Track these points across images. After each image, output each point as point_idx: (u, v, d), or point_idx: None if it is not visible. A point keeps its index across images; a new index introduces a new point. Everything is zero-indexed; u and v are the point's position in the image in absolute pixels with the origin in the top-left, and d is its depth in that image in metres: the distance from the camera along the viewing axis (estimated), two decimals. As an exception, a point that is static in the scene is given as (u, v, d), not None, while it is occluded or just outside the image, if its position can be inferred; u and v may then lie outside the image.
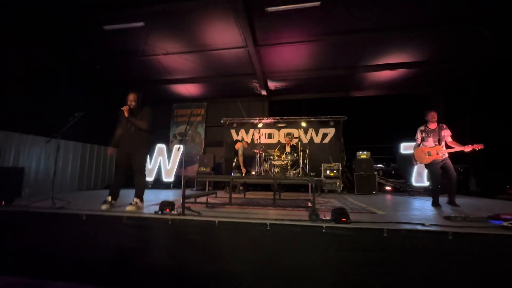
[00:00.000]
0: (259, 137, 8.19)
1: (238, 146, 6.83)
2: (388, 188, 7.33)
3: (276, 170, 6.52)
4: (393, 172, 8.31)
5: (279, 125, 8.26)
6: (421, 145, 4.04)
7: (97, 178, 7.64)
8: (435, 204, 3.93)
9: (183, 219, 2.65)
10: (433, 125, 3.98)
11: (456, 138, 4.01)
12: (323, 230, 2.30)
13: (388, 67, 7.04)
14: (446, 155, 3.87)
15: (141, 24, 5.48)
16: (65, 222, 2.88)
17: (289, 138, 7.30)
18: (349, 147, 7.81)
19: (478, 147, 3.67)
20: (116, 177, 3.73)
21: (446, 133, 3.92)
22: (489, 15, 5.10)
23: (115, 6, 5.15)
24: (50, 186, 3.66)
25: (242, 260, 2.38)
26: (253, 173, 7.31)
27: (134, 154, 3.58)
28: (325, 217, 2.56)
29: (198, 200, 3.65)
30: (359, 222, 2.42)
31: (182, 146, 7.81)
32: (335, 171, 6.87)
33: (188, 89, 8.82)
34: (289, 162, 6.52)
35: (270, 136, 8.32)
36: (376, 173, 6.73)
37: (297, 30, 5.82)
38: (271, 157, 6.76)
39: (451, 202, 3.85)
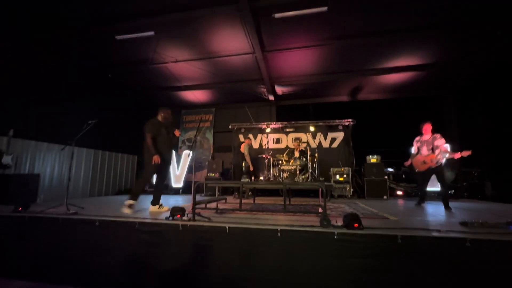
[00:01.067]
0: (267, 142, 8.20)
1: (243, 147, 6.86)
2: (399, 192, 7.17)
3: (285, 175, 6.49)
4: (403, 176, 8.14)
5: (287, 129, 8.25)
6: (418, 154, 4.47)
7: (108, 184, 7.78)
8: (420, 203, 4.61)
9: (193, 225, 2.66)
10: (427, 136, 4.40)
11: (471, 139, 4.04)
12: (335, 236, 2.27)
13: (397, 70, 6.97)
14: (440, 162, 4.22)
15: (151, 33, 5.63)
16: (79, 227, 2.94)
17: (297, 142, 7.27)
18: (358, 151, 7.71)
19: (466, 153, 3.90)
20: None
21: (440, 142, 4.24)
22: (500, 16, 5.00)
23: (127, 17, 5.32)
24: (64, 192, 3.75)
25: (253, 266, 2.36)
26: (262, 178, 7.30)
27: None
28: (336, 222, 2.53)
29: (208, 205, 3.66)
30: (371, 228, 2.38)
31: (191, 152, 7.91)
32: (344, 176, 6.78)
33: (196, 96, 8.95)
34: (298, 167, 6.48)
35: (278, 141, 8.31)
36: (386, 177, 6.62)
37: (304, 35, 5.84)
38: (280, 162, 6.74)
39: (446, 207, 4.08)
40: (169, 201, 5.39)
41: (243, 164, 6.90)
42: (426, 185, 4.61)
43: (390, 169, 7.90)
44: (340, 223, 2.52)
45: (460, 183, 7.26)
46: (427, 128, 4.43)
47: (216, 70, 7.32)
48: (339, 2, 4.79)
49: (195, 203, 2.98)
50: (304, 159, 6.74)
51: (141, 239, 2.71)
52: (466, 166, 7.60)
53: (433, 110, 8.19)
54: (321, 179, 6.87)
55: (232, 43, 6.11)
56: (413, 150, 4.53)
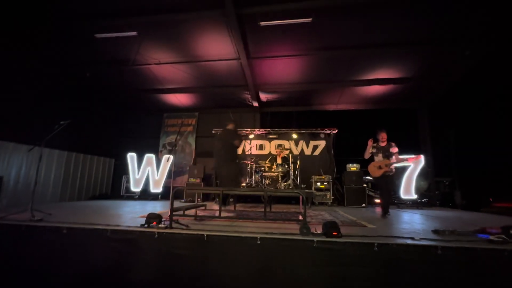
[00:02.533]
0: (250, 148, 8.17)
1: None
2: (377, 200, 7.39)
3: (267, 181, 6.48)
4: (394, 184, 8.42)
5: (270, 136, 8.29)
6: (374, 160, 4.61)
7: (81, 188, 7.37)
8: (384, 215, 4.38)
9: (170, 233, 2.56)
10: (383, 143, 4.58)
11: (442, 151, 4.23)
12: (314, 244, 2.27)
13: (376, 82, 7.27)
14: (393, 170, 4.43)
15: (133, 33, 5.48)
16: (44, 235, 2.73)
17: (280, 149, 7.31)
18: (339, 159, 7.88)
19: (417, 158, 4.38)
20: None
21: (394, 150, 4.43)
22: (468, 37, 5.40)
23: (108, 15, 5.15)
24: (30, 196, 3.48)
25: (232, 275, 2.30)
26: (244, 184, 7.23)
27: None
28: (316, 230, 2.54)
29: (187, 212, 3.55)
30: (350, 236, 2.41)
31: (171, 156, 7.70)
32: (325, 183, 6.89)
33: (179, 99, 8.79)
34: (280, 174, 6.50)
35: (261, 147, 8.32)
36: (365, 185, 6.80)
37: (289, 44, 5.95)
38: (262, 168, 6.73)
39: (385, 213, 4.35)
40: (146, 207, 5.18)
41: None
42: (389, 194, 4.68)
43: (369, 177, 8.14)
44: (319, 231, 2.53)
45: (432, 192, 7.61)
46: (384, 136, 4.59)
47: (200, 74, 7.24)
48: (322, 15, 4.94)
49: (172, 209, 2.88)
50: (286, 166, 6.78)
51: (113, 248, 2.56)
52: (438, 176, 8.01)
53: (409, 122, 8.60)
54: (302, 186, 6.93)
55: (218, 48, 6.09)
56: (367, 150, 4.61)
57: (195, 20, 5.23)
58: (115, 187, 8.36)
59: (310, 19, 4.99)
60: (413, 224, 3.53)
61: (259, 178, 6.69)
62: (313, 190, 6.70)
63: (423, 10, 4.81)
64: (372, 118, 8.95)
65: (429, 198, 7.44)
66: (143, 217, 3.40)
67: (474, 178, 7.81)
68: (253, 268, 2.29)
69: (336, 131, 7.98)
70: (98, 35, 5.54)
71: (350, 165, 6.96)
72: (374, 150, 4.59)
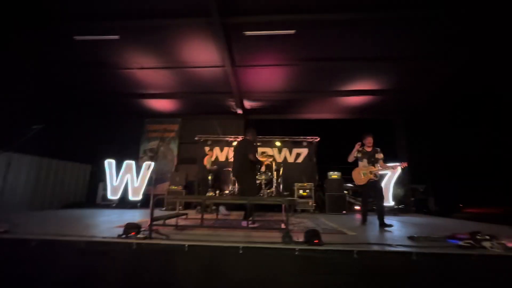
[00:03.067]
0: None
1: (206, 160, 6.68)
2: (357, 207, 7.59)
3: (250, 189, 6.46)
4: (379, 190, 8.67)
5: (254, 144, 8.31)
6: (358, 165, 4.40)
7: (53, 196, 6.94)
8: (364, 222, 4.27)
9: (149, 243, 2.47)
10: (369, 148, 4.37)
11: (417, 160, 4.38)
12: (296, 253, 2.29)
13: (356, 93, 7.57)
14: (379, 176, 4.26)
15: (115, 37, 5.36)
16: (9, 248, 2.53)
17: (264, 157, 7.36)
18: (321, 167, 8.06)
19: (403, 165, 4.18)
20: None
21: (380, 156, 4.28)
22: (441, 55, 5.81)
23: (89, 17, 5.01)
24: (-5, 206, 3.23)
25: (214, 286, 2.25)
26: (227, 192, 7.17)
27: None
28: (298, 239, 2.56)
29: (168, 221, 3.45)
30: (330, 244, 2.45)
31: (152, 163, 7.49)
32: (307, 191, 6.99)
33: (162, 104, 8.63)
34: (263, 181, 6.52)
35: (245, 154, 8.32)
36: (346, 192, 6.98)
37: (273, 54, 6.08)
38: (246, 176, 6.71)
39: (382, 224, 3.93)
40: (124, 217, 4.98)
41: (209, 176, 6.74)
42: (367, 201, 4.46)
43: (350, 185, 8.36)
44: (301, 239, 2.55)
45: (408, 199, 7.96)
46: (370, 141, 4.37)
47: (184, 80, 7.18)
48: (306, 28, 5.13)
49: (152, 219, 2.79)
50: (269, 174, 6.82)
51: (88, 261, 2.42)
52: (414, 183, 8.41)
53: (387, 132, 9.00)
54: (285, 193, 6.99)
55: (202, 55, 6.10)
56: (352, 154, 4.38)
57: (180, 27, 5.23)
58: (91, 195, 7.96)
59: (294, 31, 5.15)
60: (391, 231, 3.65)
61: (242, 185, 6.66)
62: (295, 198, 6.76)
63: (400, 30, 5.13)
64: (352, 127, 9.26)
65: (405, 204, 7.75)
66: (120, 227, 3.26)
67: (446, 185, 8.28)
68: (236, 278, 2.27)
69: (318, 139, 8.18)
70: (78, 37, 5.35)
71: (332, 172, 7.13)
72: (359, 155, 4.37)
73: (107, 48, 5.85)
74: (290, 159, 8.16)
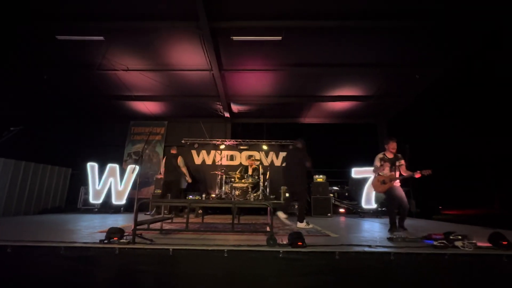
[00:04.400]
0: (221, 159, 8.14)
1: (180, 160, 6.32)
2: (342, 210, 7.76)
3: (237, 192, 6.47)
4: (346, 194, 8.89)
5: (241, 147, 8.35)
6: (377, 173, 4.02)
7: (30, 201, 6.63)
8: (394, 228, 3.74)
9: (133, 248, 2.43)
10: (390, 154, 4.03)
11: None
12: (280, 255, 2.33)
13: (341, 98, 7.80)
14: (399, 182, 3.92)
15: (100, 38, 5.27)
16: (-18, 256, 2.41)
17: (252, 160, 7.39)
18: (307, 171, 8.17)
19: (426, 173, 3.76)
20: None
21: (402, 163, 3.95)
22: (420, 62, 6.12)
23: (72, 17, 4.90)
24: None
25: (198, 290, 2.25)
26: (213, 195, 7.13)
27: None
28: (282, 241, 2.61)
29: (152, 226, 3.40)
30: (313, 246, 2.51)
31: (137, 166, 7.34)
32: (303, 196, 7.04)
33: (147, 107, 8.51)
34: (250, 185, 6.55)
35: (232, 158, 8.33)
36: (332, 195, 7.11)
37: (261, 59, 6.18)
38: (232, 179, 6.72)
39: (401, 226, 3.79)
40: (107, 221, 4.85)
41: (182, 179, 6.55)
42: (393, 209, 3.88)
43: (335, 188, 8.53)
44: (286, 241, 2.60)
45: (390, 201, 8.20)
46: (394, 146, 4.00)
47: (171, 83, 7.13)
48: (292, 34, 5.25)
49: (136, 223, 2.75)
50: (256, 177, 6.85)
51: (68, 267, 2.35)
52: (396, 186, 8.70)
53: (370, 135, 9.30)
54: (272, 196, 7.04)
55: (190, 58, 6.09)
56: (380, 168, 3.95)
57: (168, 30, 5.22)
58: (71, 200, 7.68)
59: (281, 37, 5.26)
60: (372, 232, 3.78)
61: (229, 189, 6.67)
62: (282, 201, 6.82)
63: (382, 38, 5.37)
64: (337, 131, 9.52)
65: (387, 207, 7.98)
66: (103, 232, 3.18)
67: (426, 188, 8.63)
68: (220, 282, 2.27)
69: (305, 143, 8.30)
70: (60, 37, 5.21)
71: (317, 176, 7.25)
72: (382, 162, 3.97)
73: (91, 49, 5.73)
74: (277, 163, 8.25)
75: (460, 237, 2.54)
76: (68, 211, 7.19)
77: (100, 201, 7.09)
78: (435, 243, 2.56)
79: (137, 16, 4.91)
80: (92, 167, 7.22)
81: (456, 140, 7.17)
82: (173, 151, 6.40)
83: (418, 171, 3.79)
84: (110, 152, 8.56)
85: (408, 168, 4.01)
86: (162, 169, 6.26)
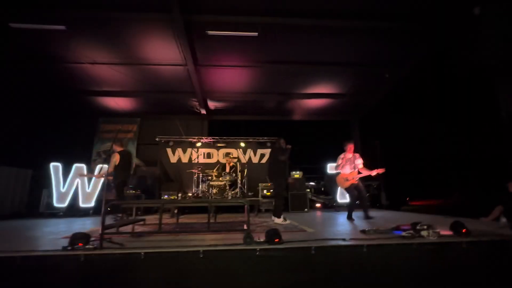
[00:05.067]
0: (197, 157, 7.96)
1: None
2: (318, 204, 7.96)
3: (214, 190, 6.37)
4: (322, 189, 9.15)
5: (219, 144, 8.23)
6: (340, 172, 4.74)
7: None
8: (349, 218, 4.62)
9: (100, 254, 2.27)
10: (349, 154, 4.74)
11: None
12: (257, 253, 2.31)
13: (316, 96, 7.96)
14: (358, 179, 4.62)
15: (61, 27, 4.85)
16: None
17: (229, 157, 7.31)
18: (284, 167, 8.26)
19: (380, 171, 4.50)
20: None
21: (359, 161, 4.66)
22: (389, 63, 6.41)
23: (27, 5, 4.44)
24: None
25: (172, 294, 2.16)
26: (190, 194, 6.96)
27: None
28: (259, 239, 2.59)
29: (122, 229, 3.21)
30: (290, 242, 2.53)
31: (106, 166, 6.93)
32: (271, 191, 7.11)
33: (118, 103, 8.05)
34: (228, 183, 6.47)
35: (209, 155, 8.18)
36: (308, 190, 7.27)
37: (237, 55, 6.09)
38: (209, 177, 6.60)
39: (366, 217, 4.56)
40: (73, 226, 4.52)
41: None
42: (353, 201, 4.74)
43: (312, 183, 8.72)
44: (263, 239, 2.58)
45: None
46: (351, 147, 4.73)
47: (143, 78, 6.79)
48: (269, 31, 5.23)
49: (104, 227, 2.57)
50: (234, 175, 6.79)
51: (26, 279, 2.13)
52: (368, 180, 9.11)
53: (344, 132, 9.63)
54: (250, 194, 7.03)
55: (162, 52, 5.84)
56: (339, 167, 4.70)
57: (138, 21, 4.94)
58: (33, 204, 7.06)
59: (257, 33, 5.22)
60: (346, 226, 3.91)
61: (206, 187, 6.54)
62: (259, 198, 6.84)
63: (354, 37, 5.53)
64: (313, 128, 9.72)
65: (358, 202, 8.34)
66: (67, 237, 2.94)
67: (395, 181, 9.12)
68: (197, 284, 2.20)
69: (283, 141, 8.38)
70: (14, 25, 4.72)
71: (294, 172, 7.36)
72: (343, 162, 4.66)
73: (51, 39, 5.26)
74: (255, 160, 8.25)
75: (425, 227, 2.70)
76: (29, 216, 6.60)
77: (65, 204, 6.59)
78: (403, 233, 2.70)
79: (104, 5, 4.59)
80: (55, 167, 6.69)
81: (422, 137, 7.64)
82: (121, 148, 5.18)
83: (375, 170, 4.49)
84: (77, 151, 7.99)
85: (377, 162, 4.52)
86: (112, 169, 4.90)
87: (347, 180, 4.60)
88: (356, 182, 4.57)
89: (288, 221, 4.36)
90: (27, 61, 5.89)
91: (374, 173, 4.51)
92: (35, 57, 5.80)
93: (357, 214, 4.78)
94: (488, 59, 4.97)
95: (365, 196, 4.63)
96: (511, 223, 3.21)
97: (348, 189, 4.68)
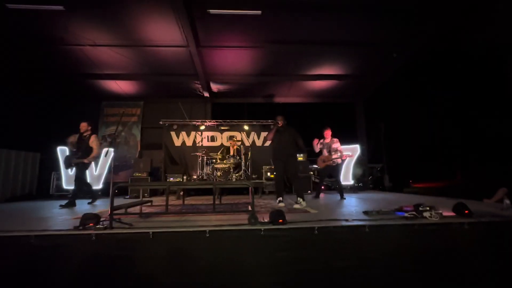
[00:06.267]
0: (201, 140, 7.99)
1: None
2: (321, 187, 8.04)
3: (219, 173, 6.45)
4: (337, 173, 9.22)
5: (222, 128, 8.21)
6: (321, 154, 5.44)
7: (-4, 189, 6.19)
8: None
9: (110, 233, 2.36)
10: (327, 140, 5.36)
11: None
12: (262, 233, 2.37)
13: (320, 77, 7.78)
14: (336, 162, 5.25)
15: (59, 7, 4.72)
16: None
17: (233, 140, 7.33)
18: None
19: (347, 156, 5.49)
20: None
21: (337, 145, 5.23)
22: (397, 42, 6.16)
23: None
24: None
25: (180, 271, 2.25)
26: (195, 177, 7.07)
27: None
28: (264, 219, 2.65)
29: (131, 210, 3.31)
30: (294, 222, 2.58)
31: (112, 149, 7.02)
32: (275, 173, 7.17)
33: (120, 86, 8.00)
34: (232, 165, 6.54)
35: (212, 139, 8.19)
36: (312, 173, 7.32)
37: (240, 35, 5.91)
38: (214, 160, 6.66)
39: (342, 197, 5.19)
40: (82, 207, 4.66)
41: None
42: (323, 180, 5.79)
43: (315, 166, 8.78)
44: (267, 219, 2.65)
45: (366, 177, 8.64)
46: (328, 133, 5.36)
47: (144, 60, 6.68)
48: (272, 9, 5.02)
49: (113, 207, 2.65)
50: (238, 157, 6.84)
51: (40, 257, 2.24)
52: (371, 163, 9.13)
53: (349, 114, 9.50)
54: (254, 176, 7.11)
55: (164, 33, 5.68)
56: (316, 149, 5.18)
57: (137, 0, 4.76)
58: (43, 186, 7.27)
59: (260, 11, 5.02)
60: (349, 207, 3.97)
61: (211, 170, 6.62)
62: (263, 180, 6.93)
63: (361, 15, 5.29)
64: (317, 110, 9.61)
65: (363, 182, 8.42)
66: (78, 218, 3.05)
67: (398, 163, 9.13)
68: (203, 262, 2.29)
69: (286, 122, 8.32)
70: (10, 5, 4.60)
71: (298, 155, 7.37)
72: (321, 146, 5.31)
73: (50, 20, 5.14)
74: (259, 143, 8.25)
75: (428, 208, 2.73)
76: (40, 198, 6.82)
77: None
78: (406, 214, 2.73)
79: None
80: (62, 151, 6.81)
81: (426, 119, 7.52)
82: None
83: (345, 154, 5.33)
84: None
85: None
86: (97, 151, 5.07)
87: (324, 161, 5.31)
88: (333, 164, 5.24)
89: (282, 204, 4.22)
90: (27, 43, 5.80)
91: (344, 157, 5.32)
92: (34, 39, 5.71)
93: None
94: (500, 38, 4.74)
95: (339, 179, 5.43)
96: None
97: (322, 170, 5.49)
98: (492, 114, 5.33)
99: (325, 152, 5.36)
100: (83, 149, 4.82)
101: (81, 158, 4.82)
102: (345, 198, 5.15)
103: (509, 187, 3.92)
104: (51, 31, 5.44)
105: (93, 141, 4.90)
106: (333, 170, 5.35)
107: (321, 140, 5.35)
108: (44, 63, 6.63)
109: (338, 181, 5.41)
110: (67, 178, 6.76)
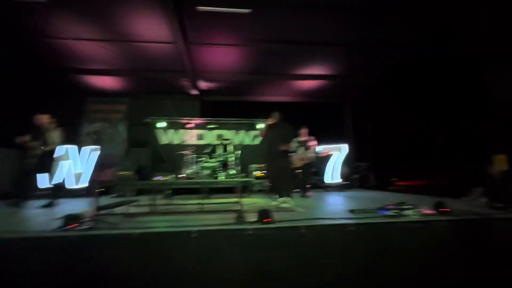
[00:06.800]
0: (190, 138, 7.90)
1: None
2: (308, 185, 8.14)
3: (207, 172, 6.39)
4: (313, 170, 9.35)
5: (211, 126, 8.14)
6: (298, 153, 5.57)
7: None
8: (303, 195, 5.56)
9: (93, 235, 2.30)
10: (304, 138, 5.57)
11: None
12: (249, 232, 2.38)
13: (309, 77, 7.86)
14: (313, 159, 5.58)
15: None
16: None
17: (222, 139, 7.27)
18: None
19: (326, 153, 6.22)
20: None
21: (313, 144, 5.56)
22: (385, 42, 6.30)
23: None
24: None
25: (166, 273, 2.23)
26: (182, 175, 6.97)
27: None
28: (251, 219, 2.66)
29: (116, 210, 3.24)
30: (281, 221, 2.61)
31: (97, 147, 6.84)
32: (264, 172, 7.20)
33: (106, 82, 7.77)
34: (220, 164, 6.49)
35: (201, 137, 8.12)
36: (299, 171, 7.40)
37: (229, 33, 5.86)
38: (202, 158, 6.59)
39: (304, 195, 5.39)
40: (65, 207, 4.52)
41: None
42: (308, 179, 5.90)
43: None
44: (255, 218, 2.66)
45: (353, 175, 8.82)
46: (305, 131, 5.59)
47: (131, 56, 6.51)
48: (262, 7, 5.01)
49: (97, 208, 2.59)
50: (226, 156, 6.80)
51: (17, 262, 2.14)
52: (358, 161, 9.32)
53: (337, 114, 9.66)
54: (242, 175, 7.10)
55: (151, 28, 5.55)
56: (293, 148, 5.26)
57: (122, -6, 4.63)
58: (21, 185, 6.95)
59: (250, 10, 4.99)
60: (335, 206, 4.05)
61: (199, 168, 6.55)
62: (252, 179, 6.93)
63: (349, 17, 5.37)
64: (306, 110, 9.70)
65: (350, 181, 8.59)
66: (60, 218, 2.95)
67: (383, 162, 9.36)
68: (190, 263, 2.27)
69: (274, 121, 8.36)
70: (-13, -5, 4.37)
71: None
72: (298, 144, 5.48)
73: (31, 12, 4.92)
74: (247, 141, 8.25)
75: (410, 206, 2.83)
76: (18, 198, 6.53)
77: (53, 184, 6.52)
78: (389, 212, 2.82)
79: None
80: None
81: (411, 120, 7.74)
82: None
83: (322, 152, 5.99)
84: (66, 132, 7.78)
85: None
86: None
87: (302, 159, 5.51)
88: (309, 161, 5.52)
89: (283, 201, 4.19)
90: (6, 34, 5.53)
91: (322, 155, 5.91)
92: (13, 31, 5.44)
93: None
94: (479, 42, 4.95)
95: (310, 175, 5.86)
96: (491, 203, 3.39)
97: (304, 167, 5.63)
98: (473, 116, 5.55)
99: (302, 150, 5.56)
100: (47, 141, 4.54)
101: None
102: (309, 197, 5.31)
103: (487, 187, 4.11)
104: (32, 22, 5.20)
105: (60, 136, 4.68)
106: (317, 167, 5.70)
107: (297, 139, 5.52)
108: (24, 56, 6.34)
109: (313, 175, 5.79)
110: (49, 177, 6.50)
